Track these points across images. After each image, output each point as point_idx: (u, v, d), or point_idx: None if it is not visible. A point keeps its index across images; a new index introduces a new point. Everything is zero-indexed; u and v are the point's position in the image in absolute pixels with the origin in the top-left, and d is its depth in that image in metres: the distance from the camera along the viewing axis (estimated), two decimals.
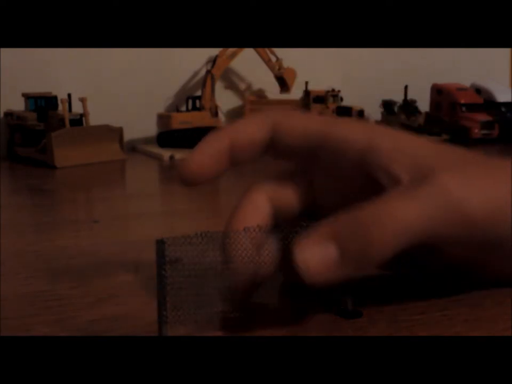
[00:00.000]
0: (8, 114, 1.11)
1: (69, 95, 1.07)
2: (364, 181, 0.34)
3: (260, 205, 0.35)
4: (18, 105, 1.11)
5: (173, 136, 1.17)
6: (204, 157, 0.34)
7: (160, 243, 0.30)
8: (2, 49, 1.09)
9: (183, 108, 1.27)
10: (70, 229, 0.59)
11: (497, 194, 0.32)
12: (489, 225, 0.32)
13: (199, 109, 1.23)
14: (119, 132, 1.08)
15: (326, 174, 0.36)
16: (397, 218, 0.30)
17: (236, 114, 1.34)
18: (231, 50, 1.24)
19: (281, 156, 0.36)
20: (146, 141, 1.23)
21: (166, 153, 1.08)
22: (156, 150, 1.13)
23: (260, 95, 1.36)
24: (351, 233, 0.30)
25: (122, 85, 1.22)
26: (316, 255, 0.30)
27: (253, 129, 0.35)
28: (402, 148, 0.33)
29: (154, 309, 0.30)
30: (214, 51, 1.24)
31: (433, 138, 1.27)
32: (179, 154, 1.09)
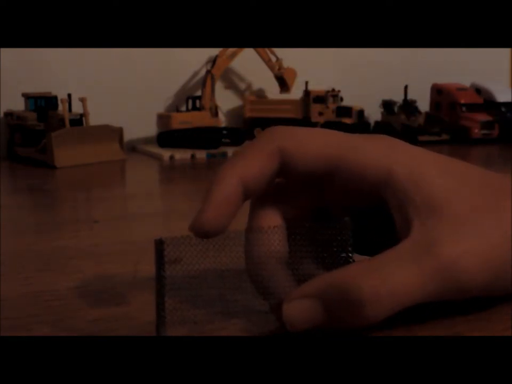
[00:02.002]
0: (8, 114, 1.11)
1: (69, 95, 1.07)
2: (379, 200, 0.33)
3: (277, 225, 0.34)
4: (18, 105, 1.11)
5: (173, 136, 1.17)
6: (218, 207, 0.32)
7: (159, 243, 0.30)
8: (2, 49, 1.09)
9: (183, 108, 1.27)
10: (70, 229, 0.59)
11: (498, 256, 0.31)
12: (487, 290, 0.32)
13: (199, 109, 1.23)
14: (119, 132, 1.08)
15: (340, 190, 0.35)
16: (390, 283, 0.30)
17: (236, 114, 1.34)
18: (231, 50, 1.24)
19: (292, 179, 0.35)
20: (146, 141, 1.23)
21: (166, 153, 1.08)
22: (156, 150, 1.13)
23: (260, 95, 1.36)
24: (337, 293, 0.30)
25: (122, 85, 1.22)
26: (297, 309, 0.31)
27: (261, 162, 0.33)
28: (418, 183, 0.32)
29: (154, 309, 0.30)
30: (214, 51, 1.24)
31: (433, 138, 1.27)
32: (179, 154, 1.08)
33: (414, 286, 0.30)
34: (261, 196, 0.35)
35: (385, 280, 0.30)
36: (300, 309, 0.31)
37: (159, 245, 0.30)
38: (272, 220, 0.34)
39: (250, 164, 0.33)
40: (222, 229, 0.32)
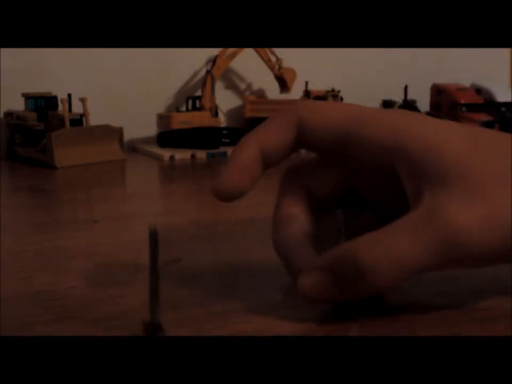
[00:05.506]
0: (8, 114, 1.11)
1: (69, 95, 1.07)
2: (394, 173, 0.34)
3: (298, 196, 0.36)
4: (18, 105, 1.11)
5: (173, 136, 1.17)
6: (237, 171, 0.34)
7: (153, 234, 0.29)
8: (2, 49, 1.09)
9: (183, 108, 1.27)
10: (70, 229, 0.59)
11: (506, 223, 0.30)
12: (493, 257, 0.31)
13: (199, 109, 1.23)
14: (119, 132, 1.08)
15: (358, 164, 0.35)
16: (393, 252, 0.30)
17: (236, 114, 1.34)
18: (231, 50, 1.24)
19: (311, 150, 0.36)
20: (146, 141, 1.23)
21: (166, 153, 1.08)
22: (156, 150, 1.13)
23: (260, 95, 1.37)
24: (346, 263, 0.31)
25: (122, 85, 1.22)
26: (309, 281, 0.32)
27: (281, 131, 0.34)
28: (429, 148, 0.31)
29: (148, 298, 0.30)
30: (214, 51, 1.24)
31: None
32: (179, 154, 1.08)
33: (416, 254, 0.30)
34: (289, 175, 0.37)
35: (388, 248, 0.30)
36: (312, 281, 0.32)
37: (154, 236, 0.29)
38: (298, 202, 0.36)
39: (270, 131, 0.34)
40: (242, 194, 0.34)
